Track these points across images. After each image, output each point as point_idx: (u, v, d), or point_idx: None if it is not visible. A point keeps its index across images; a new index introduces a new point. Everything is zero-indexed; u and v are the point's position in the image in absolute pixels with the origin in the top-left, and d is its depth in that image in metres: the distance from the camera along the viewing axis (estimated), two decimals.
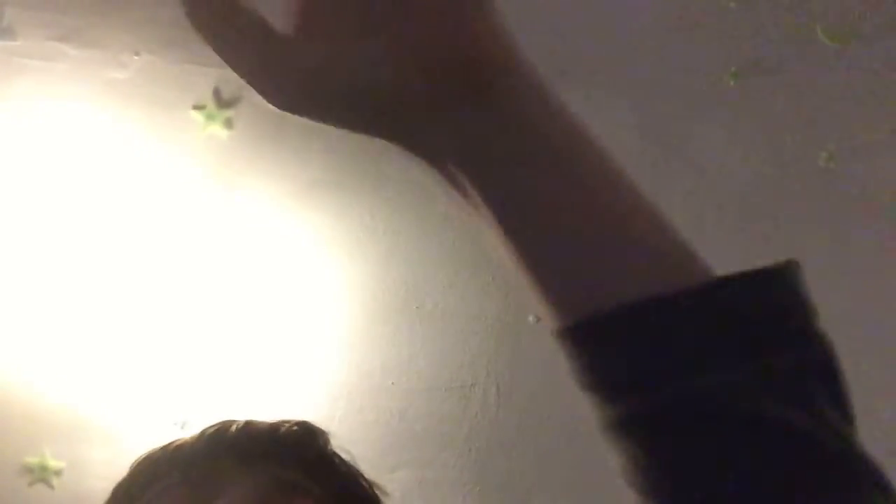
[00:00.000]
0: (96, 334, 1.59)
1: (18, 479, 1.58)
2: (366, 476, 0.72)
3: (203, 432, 0.68)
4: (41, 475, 1.59)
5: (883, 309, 1.63)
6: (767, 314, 0.34)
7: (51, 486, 1.58)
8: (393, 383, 1.64)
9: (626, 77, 1.71)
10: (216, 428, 0.68)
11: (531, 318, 1.67)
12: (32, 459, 1.58)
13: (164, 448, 0.69)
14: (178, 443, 0.69)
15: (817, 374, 0.34)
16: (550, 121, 0.33)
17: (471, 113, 0.31)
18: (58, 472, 1.59)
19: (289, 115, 0.33)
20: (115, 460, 1.62)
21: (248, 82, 0.33)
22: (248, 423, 0.68)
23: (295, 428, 0.70)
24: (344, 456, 0.72)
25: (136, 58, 1.57)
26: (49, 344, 1.57)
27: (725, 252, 1.70)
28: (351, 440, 1.73)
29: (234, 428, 0.68)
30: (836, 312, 1.65)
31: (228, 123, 1.52)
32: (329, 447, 0.71)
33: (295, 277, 1.64)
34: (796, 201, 1.67)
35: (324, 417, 1.60)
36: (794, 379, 0.33)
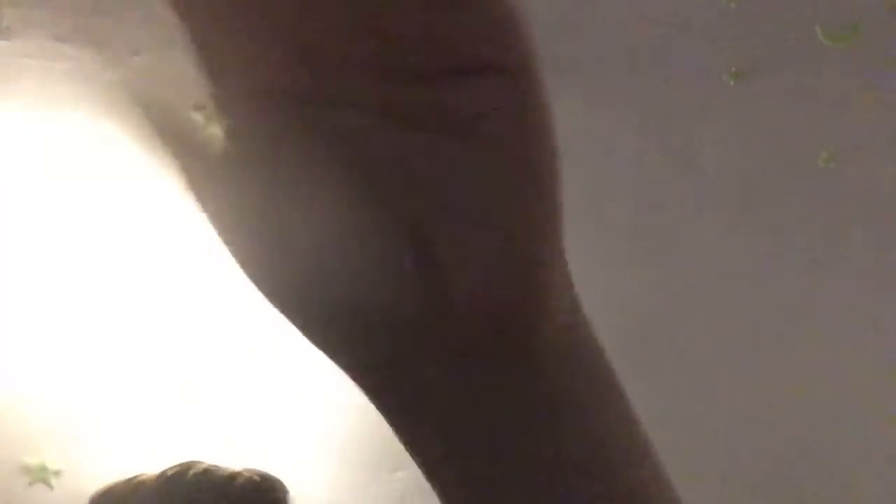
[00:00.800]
0: (97, 334, 1.59)
1: (18, 479, 1.58)
2: None
3: (163, 473, 0.69)
4: (40, 475, 1.58)
5: (883, 309, 1.63)
6: None
7: (50, 487, 1.58)
8: None
9: (626, 77, 1.71)
10: (176, 471, 0.69)
11: None
12: (32, 459, 1.58)
13: (127, 482, 0.70)
14: (139, 479, 0.70)
15: None
16: (588, 399, 0.25)
17: (493, 370, 0.24)
18: (57, 473, 1.59)
19: None
20: (114, 461, 1.62)
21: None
22: (206, 471, 0.69)
23: (255, 479, 0.70)
24: None
25: (136, 58, 1.57)
26: (49, 344, 1.57)
27: (725, 252, 1.70)
28: (352, 440, 1.73)
29: (192, 473, 0.69)
30: (835, 312, 1.65)
31: None
32: (282, 501, 0.72)
33: None
34: (796, 201, 1.67)
35: (326, 418, 1.60)
36: None
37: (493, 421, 0.24)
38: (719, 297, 1.66)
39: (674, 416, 1.64)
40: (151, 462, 1.53)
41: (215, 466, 0.71)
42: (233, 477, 0.70)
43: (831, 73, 1.68)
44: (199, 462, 0.71)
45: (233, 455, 1.60)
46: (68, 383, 1.59)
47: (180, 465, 0.71)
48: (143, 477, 0.71)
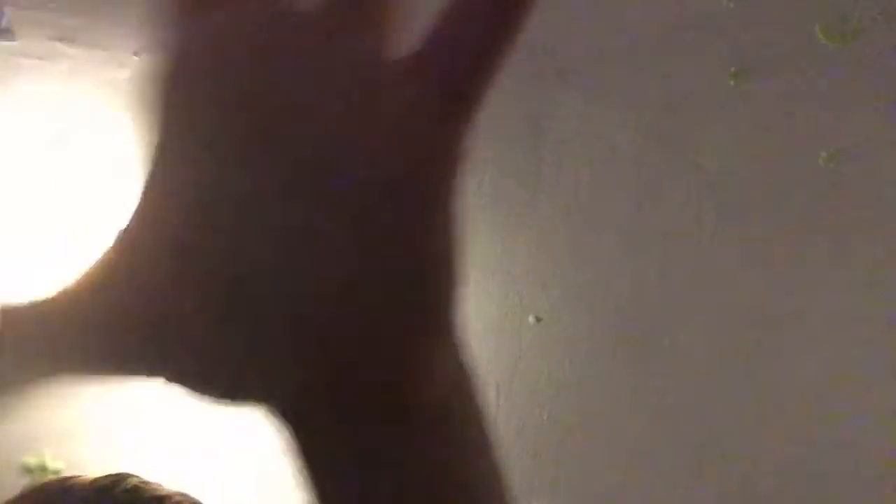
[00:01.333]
0: None
1: (18, 479, 1.58)
2: None
3: (94, 482, 0.68)
4: (41, 475, 1.58)
5: (882, 309, 1.63)
6: None
7: None
8: None
9: (626, 77, 1.71)
10: (106, 482, 0.68)
11: (531, 318, 1.66)
12: (32, 459, 1.58)
13: (61, 482, 0.70)
14: (72, 481, 0.69)
15: None
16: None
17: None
18: (57, 473, 1.59)
19: None
20: (114, 461, 1.61)
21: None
22: (135, 488, 0.68)
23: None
24: None
25: (135, 58, 1.57)
26: None
27: (725, 252, 1.70)
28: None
29: (120, 489, 0.68)
30: (835, 312, 1.65)
31: None
32: None
33: None
34: (796, 201, 1.67)
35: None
36: None
37: (374, 477, 0.26)
38: (719, 296, 1.66)
39: (672, 414, 1.64)
40: (151, 462, 1.53)
41: (146, 484, 0.70)
42: (160, 500, 0.69)
43: (831, 73, 1.68)
44: (132, 476, 0.70)
45: (226, 461, 1.59)
46: (68, 383, 1.59)
47: (114, 475, 0.70)
48: (77, 480, 0.70)
